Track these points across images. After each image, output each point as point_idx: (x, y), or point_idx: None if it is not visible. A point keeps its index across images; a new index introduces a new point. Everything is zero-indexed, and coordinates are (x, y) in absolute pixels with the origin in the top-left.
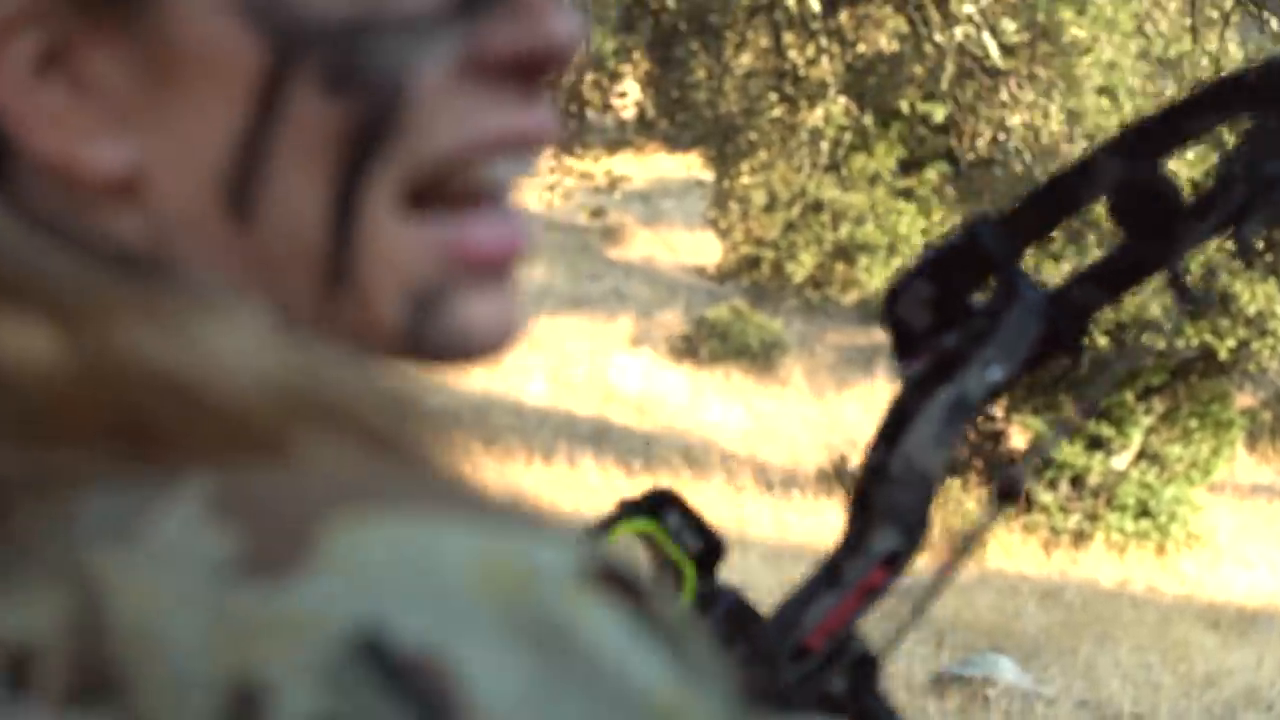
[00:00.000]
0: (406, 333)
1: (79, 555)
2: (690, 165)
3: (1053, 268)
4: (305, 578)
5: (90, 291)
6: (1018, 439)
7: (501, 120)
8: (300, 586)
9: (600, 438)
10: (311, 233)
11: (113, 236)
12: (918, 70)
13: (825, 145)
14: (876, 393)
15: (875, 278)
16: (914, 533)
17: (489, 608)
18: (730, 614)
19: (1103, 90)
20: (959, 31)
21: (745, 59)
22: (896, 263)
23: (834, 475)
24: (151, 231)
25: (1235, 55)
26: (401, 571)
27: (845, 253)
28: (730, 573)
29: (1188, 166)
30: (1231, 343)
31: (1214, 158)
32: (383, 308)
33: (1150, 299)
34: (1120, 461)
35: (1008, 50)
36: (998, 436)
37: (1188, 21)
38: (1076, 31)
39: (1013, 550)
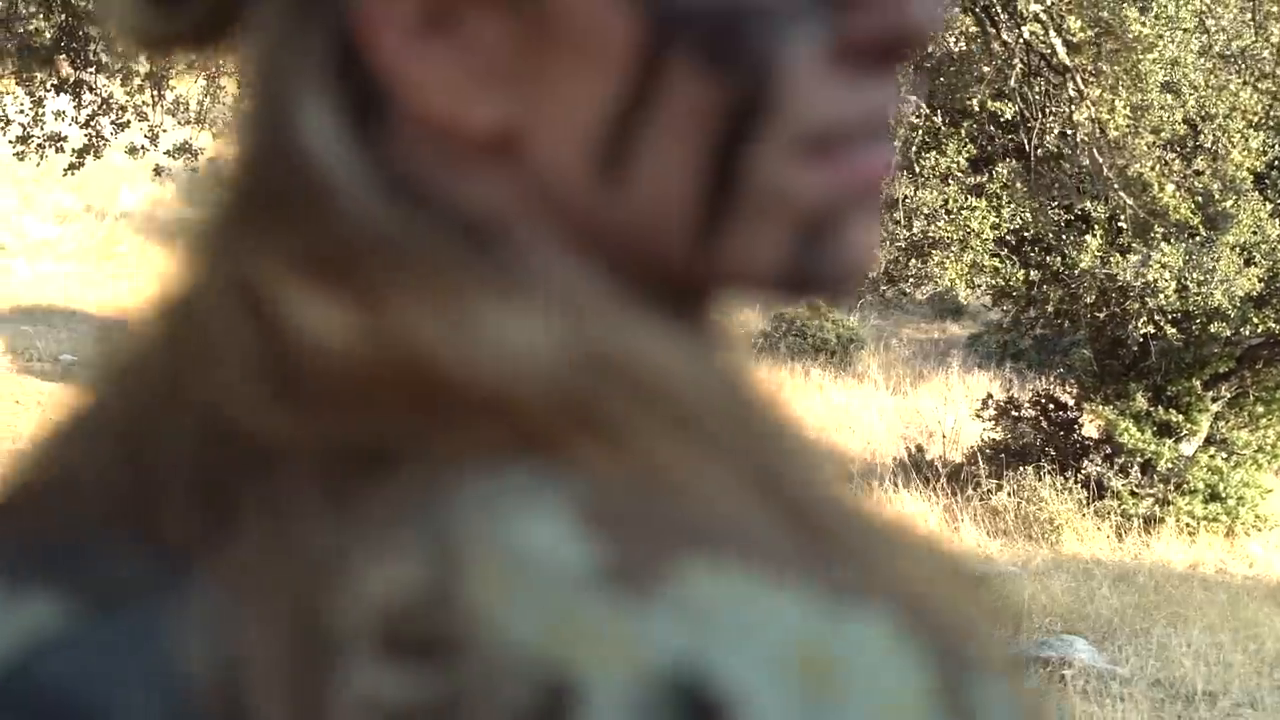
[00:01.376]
0: (791, 267)
1: (449, 532)
2: None
3: (1120, 260)
4: (650, 605)
5: (410, 269)
6: (1090, 428)
7: (867, 100)
8: (642, 612)
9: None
10: (682, 195)
11: (474, 199)
12: (986, 69)
13: (898, 144)
14: (950, 385)
15: (948, 273)
16: None
17: (801, 683)
18: None
19: (1166, 86)
20: (1026, 30)
21: None
22: (969, 258)
23: (911, 465)
24: (520, 190)
25: None
26: (734, 629)
27: (919, 249)
28: None
29: (1251, 156)
30: None
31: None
32: (771, 243)
33: (1216, 288)
34: (1189, 447)
35: (1073, 48)
36: (1070, 425)
37: (1249, 16)
38: (1139, 28)
39: (1086, 535)
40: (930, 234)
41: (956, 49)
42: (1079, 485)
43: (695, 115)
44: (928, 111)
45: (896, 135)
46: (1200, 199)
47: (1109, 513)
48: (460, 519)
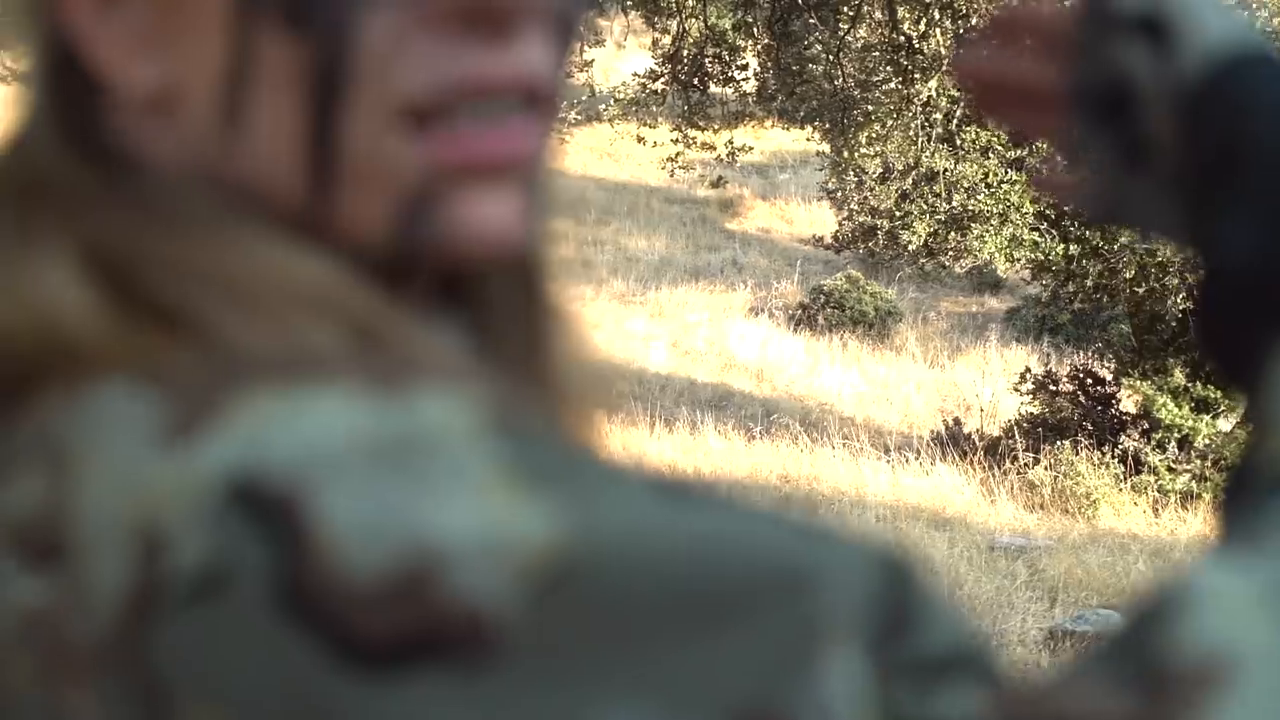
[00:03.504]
0: (399, 237)
1: (54, 439)
2: (806, 139)
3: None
4: (204, 439)
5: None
6: (1127, 403)
7: (466, 66)
8: (199, 447)
9: (721, 404)
10: (290, 151)
11: (149, 152)
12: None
13: (939, 117)
14: (988, 359)
15: (987, 246)
16: None
17: (350, 440)
18: None
19: None
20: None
21: (861, 33)
22: (1008, 231)
23: (948, 438)
24: (172, 143)
25: None
26: (279, 428)
27: (958, 222)
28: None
29: None
30: None
31: None
32: (372, 215)
33: None
34: (1227, 423)
35: None
36: (1107, 400)
37: None
38: None
39: (1123, 510)
40: (970, 207)
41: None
42: (1116, 460)
43: (287, 78)
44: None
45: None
46: None
47: (1146, 488)
48: (60, 432)
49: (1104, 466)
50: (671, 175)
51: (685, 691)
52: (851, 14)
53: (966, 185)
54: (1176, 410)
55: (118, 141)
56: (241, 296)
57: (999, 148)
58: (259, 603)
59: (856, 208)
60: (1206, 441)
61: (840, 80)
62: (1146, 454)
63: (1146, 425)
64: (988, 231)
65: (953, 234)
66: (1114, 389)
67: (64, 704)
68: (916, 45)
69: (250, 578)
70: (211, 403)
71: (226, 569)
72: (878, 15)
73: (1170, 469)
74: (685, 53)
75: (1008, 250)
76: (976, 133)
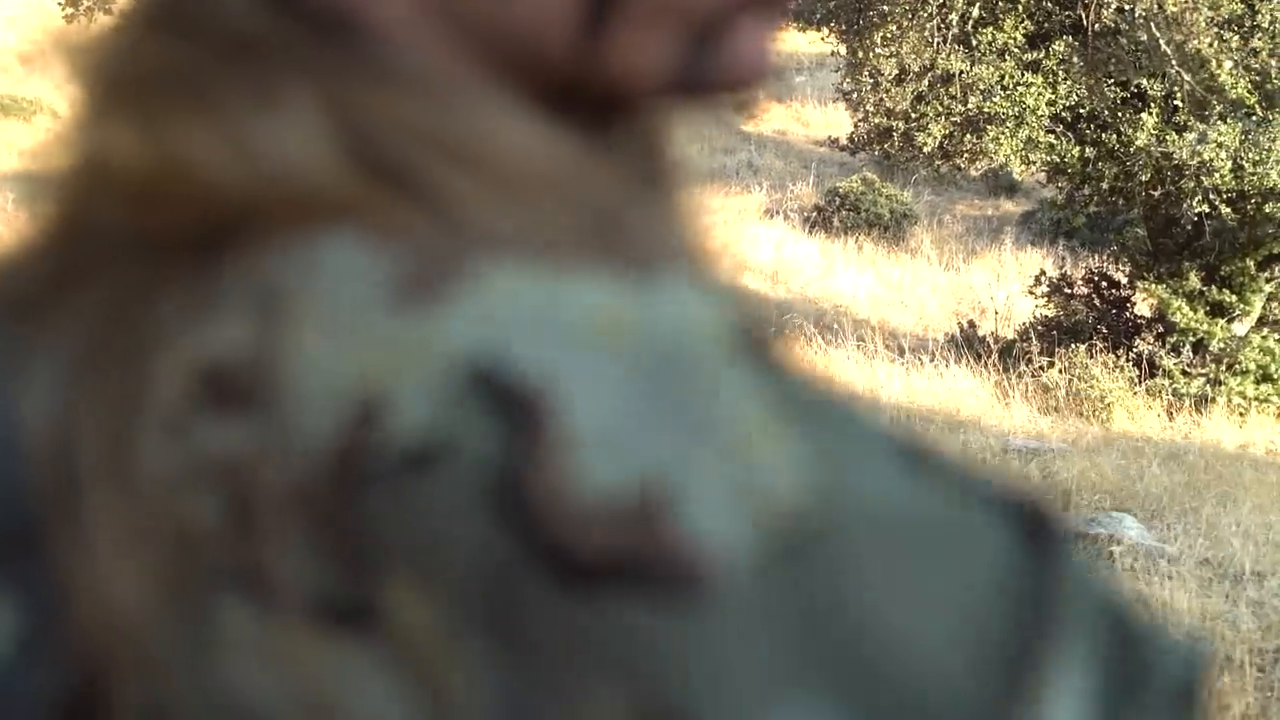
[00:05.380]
0: (680, 67)
1: (269, 290)
2: (822, 41)
3: (1175, 138)
4: (443, 307)
5: (221, 81)
6: (1142, 307)
7: None
8: (437, 314)
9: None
10: None
11: (355, 6)
12: None
13: (954, 18)
14: (1003, 262)
15: (1002, 149)
16: None
17: (599, 343)
18: None
19: None
20: None
21: None
22: (1023, 134)
23: (962, 341)
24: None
25: None
26: (526, 309)
27: (974, 124)
28: None
29: None
30: None
31: None
32: (658, 44)
33: (1272, 168)
34: (1241, 328)
35: None
36: (1122, 303)
37: None
38: None
39: (1137, 414)
40: (985, 110)
41: None
42: (1130, 364)
43: None
44: None
45: (952, 8)
46: (1258, 78)
47: (1160, 391)
48: (278, 278)
49: (1118, 370)
50: None
51: (886, 699)
52: None
53: (982, 88)
54: (1191, 314)
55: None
56: (483, 171)
57: (1015, 50)
58: (478, 487)
59: (872, 109)
60: (1221, 345)
61: None
62: (1161, 357)
63: (1161, 329)
64: (1003, 134)
65: (968, 136)
66: (1129, 293)
67: (254, 551)
68: None
69: (473, 460)
70: (453, 268)
71: (449, 445)
72: None
73: (1185, 373)
74: None
75: (1023, 153)
76: (993, 34)
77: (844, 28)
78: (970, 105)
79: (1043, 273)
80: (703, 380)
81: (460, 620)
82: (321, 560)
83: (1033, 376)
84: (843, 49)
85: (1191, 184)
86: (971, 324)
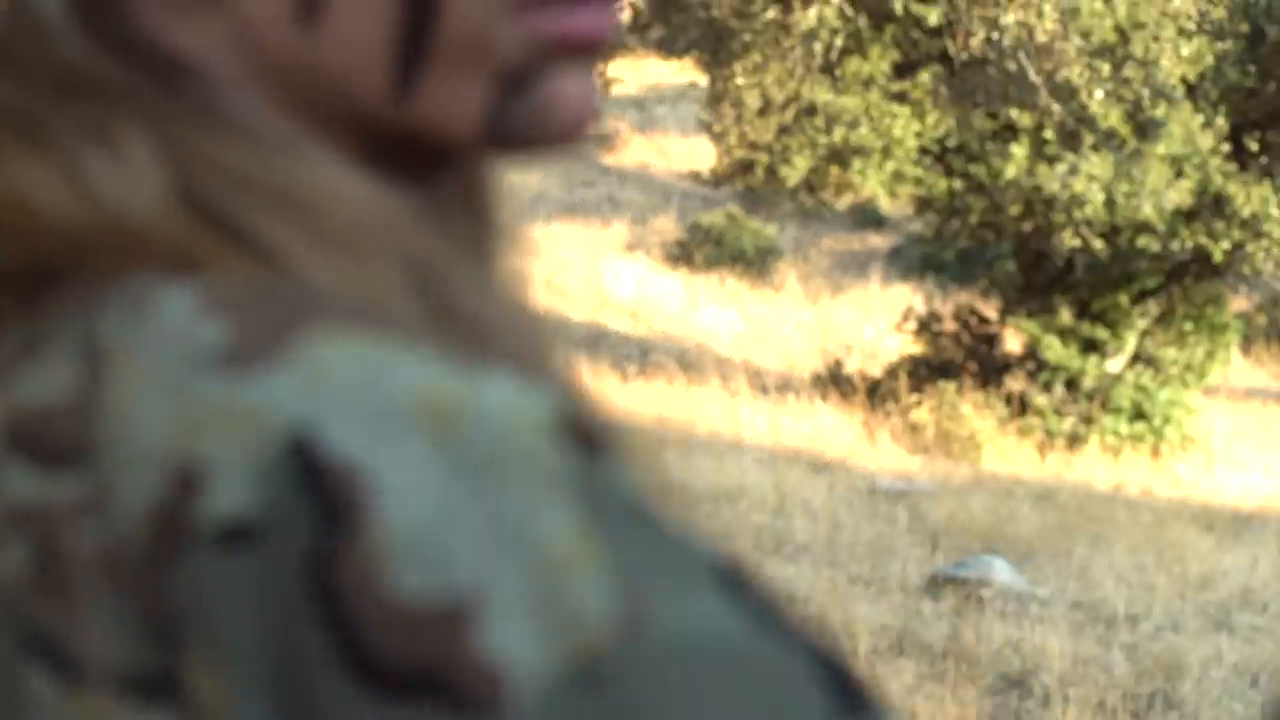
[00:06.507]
0: (492, 115)
1: (95, 338)
2: (684, 71)
3: (1046, 170)
4: (266, 376)
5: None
6: (1012, 342)
7: None
8: (259, 383)
9: (595, 343)
10: (378, 40)
11: (186, 46)
12: None
13: (819, 48)
14: (870, 297)
15: (869, 181)
16: None
17: (421, 430)
18: None
19: None
20: None
21: None
22: (890, 166)
23: (828, 379)
24: (226, 37)
25: None
26: (351, 386)
27: (840, 156)
28: (725, 478)
29: (1182, 64)
30: (1226, 245)
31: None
32: (468, 94)
33: (1145, 200)
34: (1115, 365)
35: None
36: (992, 339)
37: None
38: None
39: (1007, 453)
40: (851, 141)
41: None
42: (1001, 402)
43: None
44: (851, 15)
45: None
46: (1130, 108)
47: (1031, 430)
48: (105, 328)
49: (988, 408)
50: None
51: None
52: None
53: (848, 119)
54: (1063, 350)
55: (147, 37)
56: (305, 219)
57: (881, 80)
58: (286, 573)
59: (735, 142)
60: (1094, 383)
61: (717, 10)
62: (1032, 395)
63: (1033, 366)
64: (870, 166)
65: (834, 169)
66: (999, 328)
67: (58, 606)
68: None
69: (285, 544)
70: (280, 334)
71: (263, 525)
72: None
73: (1056, 411)
74: None
75: (890, 186)
76: (858, 64)
77: (706, 58)
78: (836, 137)
79: (910, 308)
80: (521, 485)
81: (255, 705)
82: (128, 629)
83: (901, 415)
84: (704, 80)
85: (1063, 217)
86: (838, 362)
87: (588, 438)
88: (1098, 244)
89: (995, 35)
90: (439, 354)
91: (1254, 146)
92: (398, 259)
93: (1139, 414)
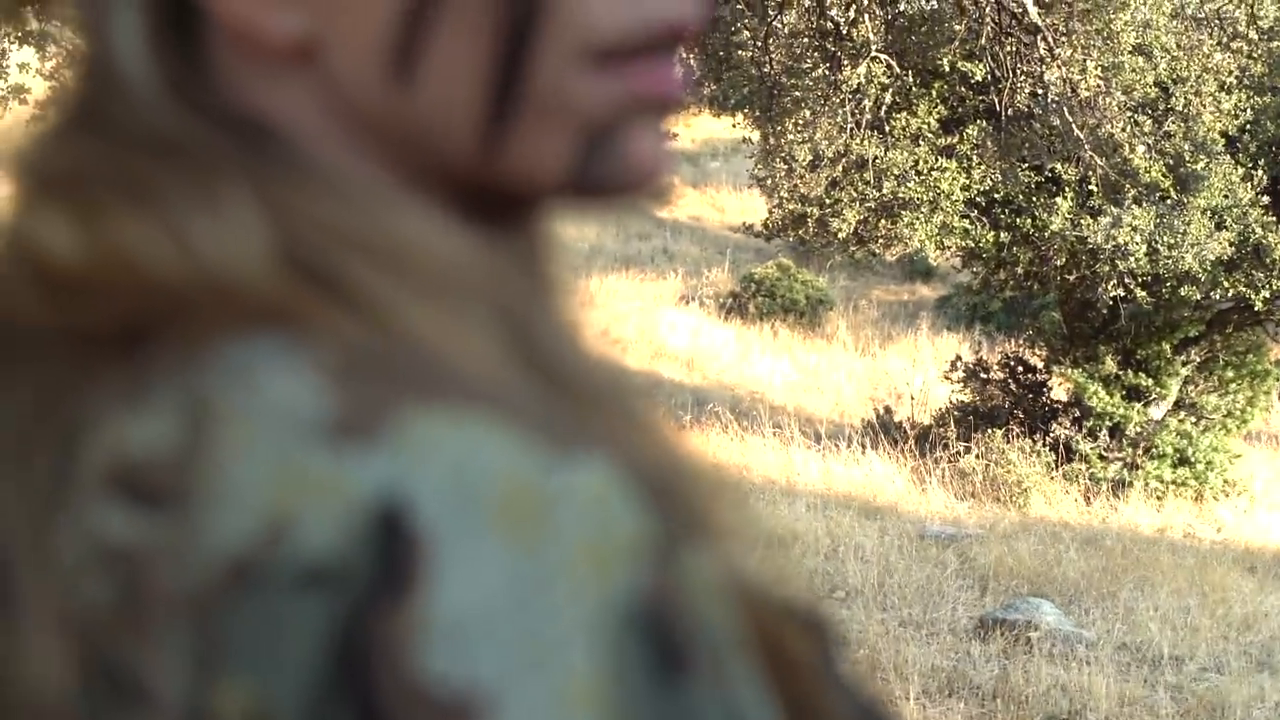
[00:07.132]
0: (575, 168)
1: (203, 392)
2: (736, 127)
3: (1090, 223)
4: (368, 451)
5: (153, 176)
6: (1058, 391)
7: (651, 13)
8: (360, 458)
9: (651, 392)
10: (467, 98)
11: (274, 107)
12: (957, 28)
13: (868, 103)
14: (919, 347)
15: (918, 234)
16: None
17: (499, 527)
18: None
19: (1138, 48)
20: None
21: (789, 19)
22: (938, 219)
23: (879, 427)
24: (316, 98)
25: (1270, 10)
26: (444, 469)
27: (889, 209)
28: (779, 523)
29: (1223, 118)
30: (1266, 294)
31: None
32: (553, 148)
33: (1187, 251)
34: (1158, 411)
35: (1044, 7)
36: (1039, 388)
37: None
38: None
39: (1054, 498)
40: (900, 195)
41: (927, 8)
42: (1047, 448)
43: (477, 19)
44: (899, 71)
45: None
46: (1171, 161)
47: (1077, 476)
48: (213, 381)
49: (1035, 455)
50: None
51: None
52: (779, 0)
53: (896, 173)
54: (1108, 398)
55: (236, 99)
56: (404, 271)
57: (929, 135)
58: (338, 616)
59: (786, 195)
60: (1138, 429)
61: (768, 67)
62: (1077, 442)
63: (1078, 413)
64: (918, 219)
65: (883, 222)
66: (1045, 377)
67: (135, 641)
68: (845, 31)
69: (346, 589)
70: (381, 411)
71: (334, 570)
72: (806, 2)
73: (1101, 457)
74: None
75: (938, 238)
76: (906, 119)
77: (757, 113)
78: (885, 190)
79: (958, 357)
80: (571, 608)
81: None
82: (180, 656)
83: (949, 462)
84: (756, 135)
85: (1106, 268)
86: (888, 410)
87: (666, 555)
88: (1141, 294)
89: (1040, 91)
90: (534, 433)
91: None
92: (490, 307)
93: (1182, 459)
